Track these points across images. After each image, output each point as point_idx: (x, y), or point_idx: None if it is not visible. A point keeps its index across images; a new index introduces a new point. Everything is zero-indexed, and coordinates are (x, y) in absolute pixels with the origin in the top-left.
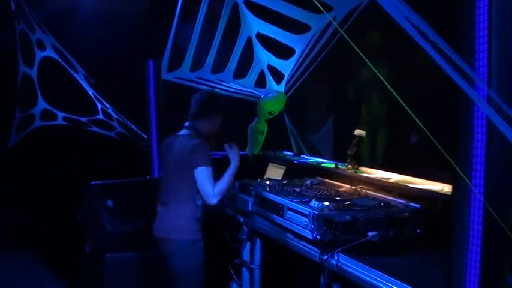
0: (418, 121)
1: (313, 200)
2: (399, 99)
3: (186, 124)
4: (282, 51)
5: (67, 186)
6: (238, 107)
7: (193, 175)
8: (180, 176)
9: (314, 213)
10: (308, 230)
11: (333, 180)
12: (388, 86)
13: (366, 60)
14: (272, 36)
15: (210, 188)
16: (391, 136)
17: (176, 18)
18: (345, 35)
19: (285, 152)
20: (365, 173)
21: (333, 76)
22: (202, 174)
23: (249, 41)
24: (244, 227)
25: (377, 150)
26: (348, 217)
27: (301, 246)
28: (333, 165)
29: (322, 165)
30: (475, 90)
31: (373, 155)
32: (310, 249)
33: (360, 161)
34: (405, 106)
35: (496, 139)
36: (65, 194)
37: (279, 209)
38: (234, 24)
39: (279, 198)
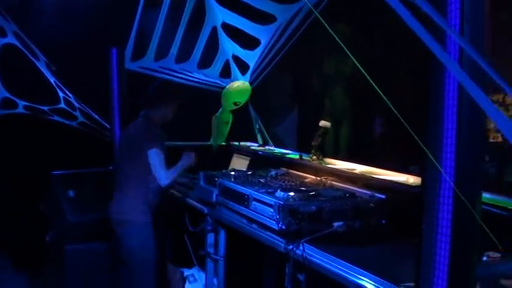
0: (395, 110)
1: (279, 190)
2: (379, 91)
3: (142, 113)
4: (248, 41)
5: (28, 176)
6: (203, 97)
7: (146, 158)
8: (133, 159)
9: (279, 203)
10: (273, 220)
11: (298, 171)
12: (376, 87)
13: (344, 46)
14: (237, 26)
15: (163, 169)
16: (355, 127)
17: (141, 6)
18: (321, 18)
19: (250, 143)
20: (330, 164)
21: (298, 67)
22: (155, 156)
23: (214, 30)
24: (208, 218)
25: (341, 141)
26: (313, 207)
27: (266, 237)
28: (298, 156)
29: (287, 156)
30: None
31: (337, 146)
32: (276, 239)
33: (325, 152)
34: (383, 96)
35: (467, 118)
36: (26, 184)
37: (244, 200)
38: (199, 13)
39: (244, 188)
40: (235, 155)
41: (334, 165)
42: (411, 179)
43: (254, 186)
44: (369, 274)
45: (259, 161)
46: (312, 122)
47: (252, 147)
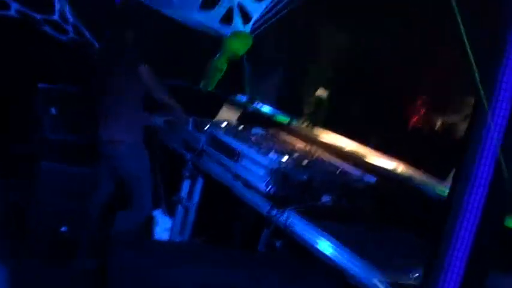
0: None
1: (272, 152)
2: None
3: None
4: None
5: (13, 85)
6: (198, 39)
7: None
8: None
9: (273, 166)
10: (263, 181)
11: (288, 134)
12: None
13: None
14: None
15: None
16: (351, 102)
17: None
18: None
19: (239, 96)
20: (319, 134)
21: (299, 28)
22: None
23: None
24: (189, 164)
25: (335, 114)
26: (304, 177)
27: (250, 197)
28: (288, 120)
29: (277, 117)
30: None
31: (330, 117)
32: (260, 201)
33: (316, 121)
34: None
35: None
36: (10, 92)
37: (234, 154)
38: None
39: (236, 143)
40: (225, 105)
41: (324, 137)
42: (400, 167)
43: (246, 143)
44: (348, 251)
45: (249, 117)
46: (305, 86)
47: (240, 101)
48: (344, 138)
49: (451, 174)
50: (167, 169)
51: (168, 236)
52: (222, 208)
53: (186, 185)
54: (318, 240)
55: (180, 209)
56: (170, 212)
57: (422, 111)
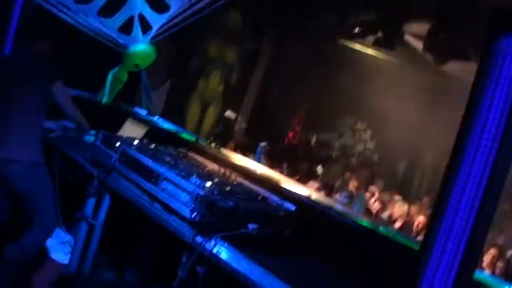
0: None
1: (194, 176)
2: None
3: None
4: (158, 3)
5: None
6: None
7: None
8: (30, 93)
9: (199, 192)
10: (187, 207)
11: (196, 154)
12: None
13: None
14: None
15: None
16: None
17: None
18: None
19: (137, 109)
20: (226, 154)
21: (192, 43)
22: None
23: None
24: (96, 181)
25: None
26: (231, 203)
27: (171, 221)
28: (194, 139)
29: (183, 135)
30: None
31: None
32: (183, 227)
33: (223, 141)
34: None
35: None
36: None
37: (152, 176)
38: None
39: (154, 164)
40: (130, 120)
41: (233, 158)
42: (314, 194)
43: (163, 164)
44: (277, 281)
45: (153, 134)
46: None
47: (140, 114)
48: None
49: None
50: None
51: (65, 252)
52: (131, 229)
53: (91, 202)
54: (247, 269)
55: (83, 226)
56: (68, 227)
57: (298, 128)
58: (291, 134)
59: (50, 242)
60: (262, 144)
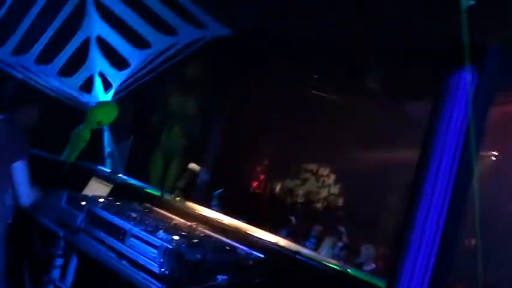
0: None
1: (161, 231)
2: None
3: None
4: (118, 61)
5: None
6: (56, 107)
7: (8, 171)
8: None
9: (166, 246)
10: (155, 263)
11: (161, 209)
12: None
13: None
14: (112, 43)
15: (27, 186)
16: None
17: None
18: None
19: (100, 167)
20: (192, 208)
21: (151, 98)
22: (20, 170)
23: (87, 41)
24: (62, 242)
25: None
26: (199, 256)
27: (140, 278)
28: (159, 194)
29: (148, 190)
30: None
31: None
32: (153, 283)
33: (188, 195)
34: None
35: None
36: None
37: (119, 233)
38: (77, 18)
39: (121, 221)
40: (94, 178)
41: (199, 210)
42: (281, 241)
43: (129, 220)
44: None
45: (119, 190)
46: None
47: (104, 172)
48: (212, 211)
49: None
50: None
51: None
52: None
53: (58, 264)
54: None
55: None
56: None
57: (262, 177)
58: (255, 183)
59: None
60: (219, 191)
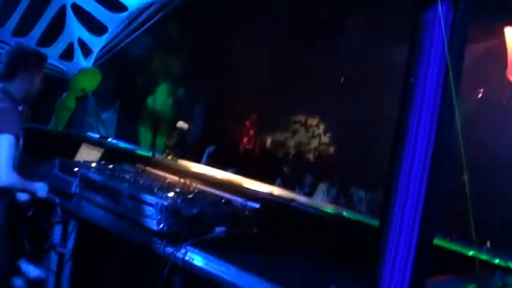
0: None
1: (156, 189)
2: None
3: None
4: (96, 27)
5: None
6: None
7: None
8: None
9: (162, 203)
10: (153, 220)
11: (154, 169)
12: None
13: None
14: (88, 10)
15: (6, 164)
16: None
17: None
18: None
19: (90, 133)
20: (184, 165)
21: (134, 60)
22: (4, 143)
23: (63, 9)
24: (59, 209)
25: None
26: (195, 210)
27: (139, 236)
28: (150, 154)
29: (138, 152)
30: None
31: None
32: (152, 240)
33: (179, 152)
34: None
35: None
36: None
37: (115, 195)
38: None
39: (116, 183)
40: (84, 144)
41: (191, 167)
42: (276, 190)
43: (124, 182)
44: (252, 277)
45: (110, 155)
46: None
47: (93, 138)
48: (206, 166)
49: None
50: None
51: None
52: (105, 253)
53: (57, 231)
54: (221, 270)
55: (53, 256)
56: (37, 260)
57: (252, 132)
58: (245, 139)
59: (18, 282)
60: (210, 148)
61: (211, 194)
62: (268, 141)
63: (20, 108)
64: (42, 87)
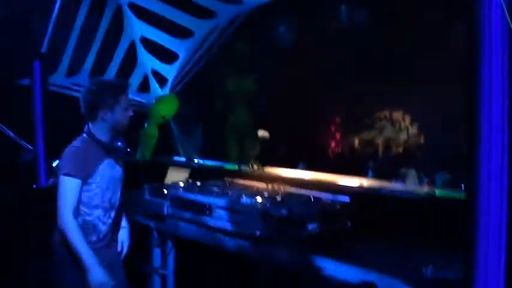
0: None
1: (243, 197)
2: None
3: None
4: (166, 56)
5: None
6: None
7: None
8: None
9: (253, 209)
10: (245, 227)
11: (241, 180)
12: None
13: None
14: (156, 41)
15: (64, 205)
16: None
17: (53, 19)
18: None
19: (176, 158)
20: (272, 172)
21: (210, 82)
22: (61, 184)
23: (132, 44)
24: (155, 232)
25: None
26: (284, 212)
27: (236, 245)
28: (236, 167)
29: (225, 167)
30: None
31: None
32: (247, 247)
33: (264, 161)
34: None
35: None
36: None
37: (205, 209)
38: (117, 27)
39: (205, 198)
40: (171, 168)
41: (278, 173)
42: (365, 182)
43: (213, 195)
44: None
45: (198, 174)
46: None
47: (180, 162)
48: (293, 170)
49: None
50: None
51: None
52: (202, 267)
53: (157, 254)
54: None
55: (156, 279)
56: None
57: (338, 135)
58: (333, 144)
59: None
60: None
61: (300, 195)
62: (356, 142)
63: (119, 144)
64: (131, 113)
